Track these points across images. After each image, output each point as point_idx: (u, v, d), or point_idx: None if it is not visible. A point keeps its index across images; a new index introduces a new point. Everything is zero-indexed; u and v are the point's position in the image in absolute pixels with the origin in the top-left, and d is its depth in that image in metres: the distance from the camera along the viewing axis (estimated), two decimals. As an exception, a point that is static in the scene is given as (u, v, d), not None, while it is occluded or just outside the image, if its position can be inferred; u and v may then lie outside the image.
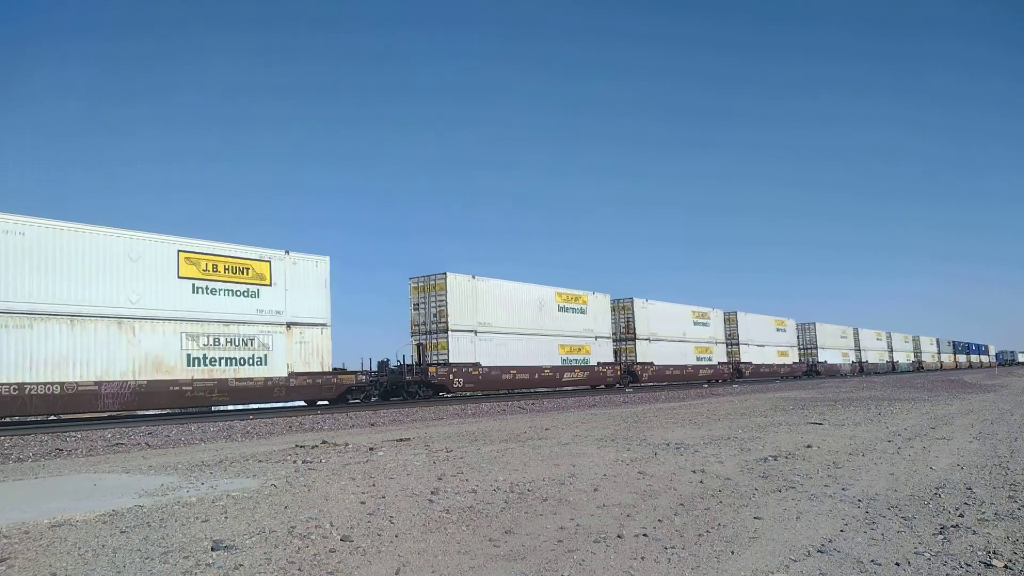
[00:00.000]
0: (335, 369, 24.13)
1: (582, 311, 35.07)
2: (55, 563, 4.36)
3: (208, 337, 20.36)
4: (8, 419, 17.65)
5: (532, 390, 31.94)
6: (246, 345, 21.34)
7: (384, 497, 6.38)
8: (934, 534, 5.09)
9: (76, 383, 17.42)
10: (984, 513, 5.73)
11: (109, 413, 19.12)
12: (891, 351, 76.72)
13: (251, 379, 21.23)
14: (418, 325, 28.49)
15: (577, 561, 4.45)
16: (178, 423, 16.80)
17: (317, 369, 23.00)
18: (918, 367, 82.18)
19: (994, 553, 4.60)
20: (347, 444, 11.11)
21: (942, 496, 6.42)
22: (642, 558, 4.51)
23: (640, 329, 38.69)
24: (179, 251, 20.07)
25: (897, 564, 4.37)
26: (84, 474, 8.51)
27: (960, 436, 11.39)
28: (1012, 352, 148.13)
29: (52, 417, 19.50)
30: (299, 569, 4.24)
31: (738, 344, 48.48)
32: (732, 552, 4.64)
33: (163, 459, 9.90)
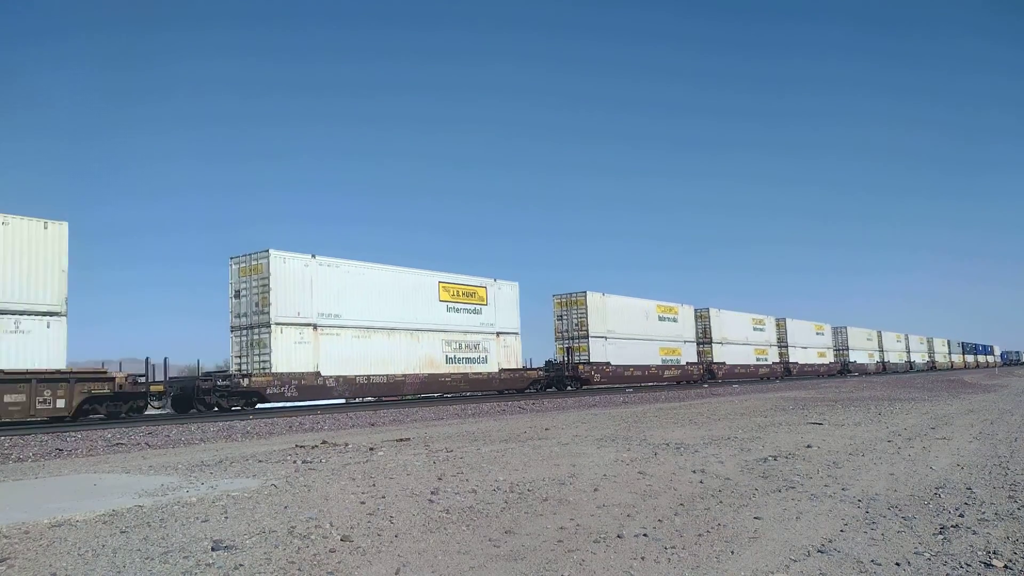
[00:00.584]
0: (524, 367, 31.53)
1: (674, 320, 41.98)
2: (55, 563, 4.36)
3: (456, 344, 27.98)
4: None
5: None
6: (474, 349, 28.75)
7: (384, 497, 6.38)
8: (934, 534, 5.09)
9: (394, 375, 25.17)
10: (984, 513, 5.73)
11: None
12: (909, 352, 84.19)
13: (479, 373, 28.71)
14: (561, 332, 35.84)
15: (577, 561, 4.45)
16: (178, 423, 16.80)
17: (516, 366, 30.69)
18: (932, 367, 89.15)
19: (994, 553, 4.60)
20: (347, 444, 11.11)
21: (942, 496, 6.42)
22: (642, 558, 4.51)
23: (715, 334, 46.46)
24: (438, 282, 27.77)
25: (897, 564, 4.37)
26: (84, 474, 8.51)
27: (960, 436, 11.39)
28: (1017, 352, 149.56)
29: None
30: (299, 569, 4.24)
31: (787, 346, 56.45)
32: (732, 552, 4.64)
33: (163, 459, 9.90)
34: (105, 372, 18.59)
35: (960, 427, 12.98)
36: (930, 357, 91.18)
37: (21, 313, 17.23)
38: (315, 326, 22.92)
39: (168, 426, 15.75)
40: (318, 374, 22.70)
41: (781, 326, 56.28)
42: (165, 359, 20.45)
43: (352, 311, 24.23)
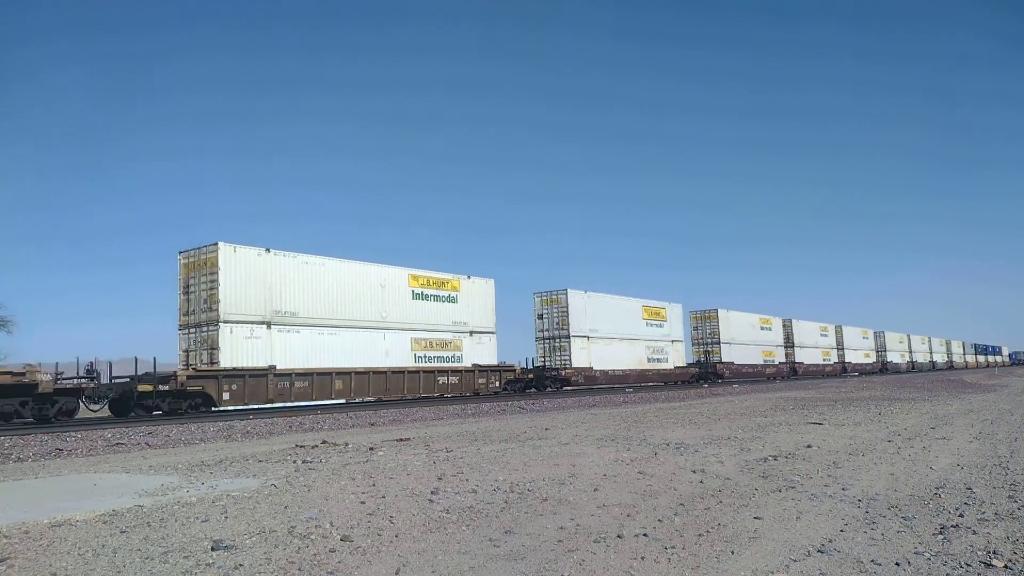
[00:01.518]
0: (500, 364, 30.51)
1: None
2: (55, 563, 4.36)
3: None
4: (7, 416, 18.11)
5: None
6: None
7: (384, 497, 6.38)
8: (934, 534, 5.09)
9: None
10: (984, 513, 5.73)
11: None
12: (931, 352, 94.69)
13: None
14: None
15: (577, 561, 4.44)
16: (178, 423, 16.80)
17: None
18: (950, 366, 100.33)
19: (994, 553, 4.59)
20: (347, 444, 11.11)
21: (942, 496, 6.42)
22: (642, 558, 4.51)
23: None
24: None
25: (897, 564, 4.37)
26: (84, 474, 8.50)
27: (960, 436, 11.39)
28: None
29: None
30: (299, 569, 4.24)
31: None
32: (732, 552, 4.64)
33: (163, 459, 9.90)
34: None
35: (960, 427, 12.97)
36: (948, 358, 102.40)
37: (481, 332, 27.60)
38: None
39: (168, 426, 15.75)
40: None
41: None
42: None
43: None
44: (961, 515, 5.66)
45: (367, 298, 24.93)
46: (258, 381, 21.03)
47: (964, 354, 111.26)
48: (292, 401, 22.06)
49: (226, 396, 20.15)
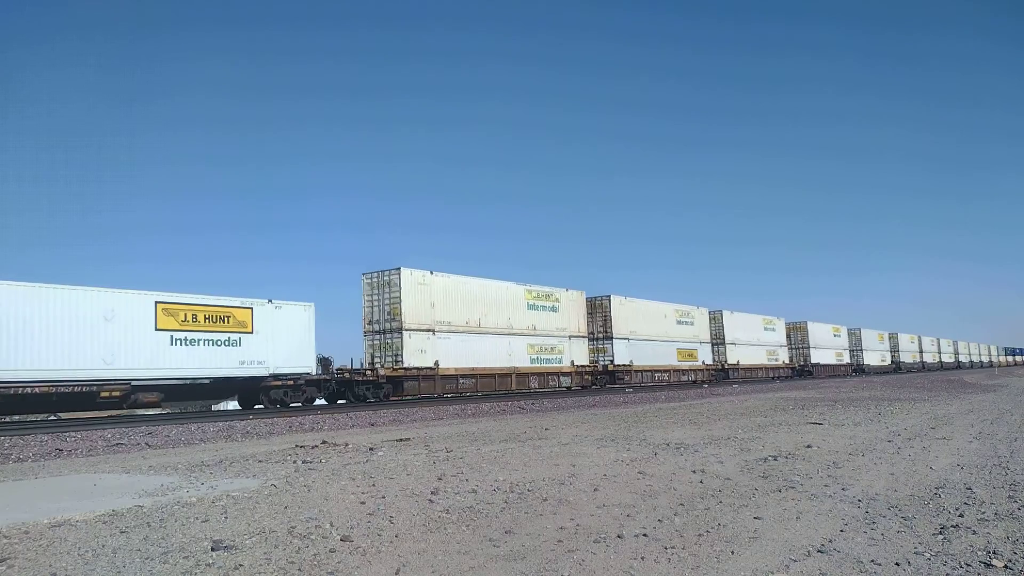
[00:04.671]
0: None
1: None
2: (55, 563, 4.36)
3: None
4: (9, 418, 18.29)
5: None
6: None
7: (384, 497, 6.38)
8: (934, 534, 5.09)
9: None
10: (984, 513, 5.73)
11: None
12: (956, 354, 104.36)
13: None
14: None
15: (577, 561, 4.45)
16: (178, 423, 16.80)
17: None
18: (983, 365, 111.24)
19: (994, 553, 4.60)
20: (347, 444, 11.11)
21: (942, 496, 6.42)
22: (642, 558, 4.51)
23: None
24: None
25: (897, 564, 4.37)
26: (84, 474, 8.50)
27: (960, 436, 11.39)
28: None
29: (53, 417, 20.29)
30: (299, 569, 4.24)
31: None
32: (732, 552, 4.64)
33: (163, 459, 9.90)
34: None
35: (960, 427, 12.97)
36: (980, 358, 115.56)
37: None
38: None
39: (168, 426, 15.74)
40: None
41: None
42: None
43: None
44: (961, 515, 5.66)
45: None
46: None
47: (991, 355, 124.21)
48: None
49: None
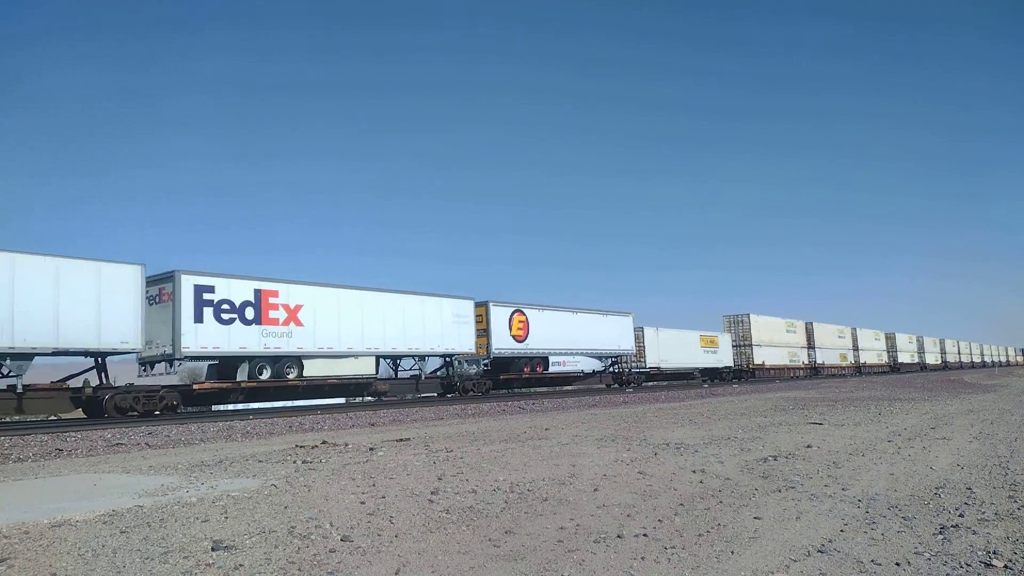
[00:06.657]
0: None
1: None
2: (55, 563, 4.36)
3: None
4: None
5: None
6: None
7: (384, 497, 6.38)
8: (934, 534, 5.09)
9: None
10: (984, 513, 5.73)
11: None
12: (983, 355, 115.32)
13: None
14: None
15: (577, 561, 4.44)
16: (178, 423, 16.80)
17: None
18: (1002, 364, 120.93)
19: (994, 553, 4.60)
20: (347, 444, 11.11)
21: (942, 496, 6.42)
22: (642, 558, 4.51)
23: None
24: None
25: (897, 564, 4.37)
26: (84, 474, 8.50)
27: (960, 436, 11.39)
28: None
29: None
30: (299, 569, 4.24)
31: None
32: (732, 552, 4.64)
33: (163, 459, 9.90)
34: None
35: (960, 427, 12.97)
36: (1002, 357, 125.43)
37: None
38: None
39: (168, 426, 15.75)
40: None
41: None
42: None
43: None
44: (961, 515, 5.65)
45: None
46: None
47: (1012, 355, 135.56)
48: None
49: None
